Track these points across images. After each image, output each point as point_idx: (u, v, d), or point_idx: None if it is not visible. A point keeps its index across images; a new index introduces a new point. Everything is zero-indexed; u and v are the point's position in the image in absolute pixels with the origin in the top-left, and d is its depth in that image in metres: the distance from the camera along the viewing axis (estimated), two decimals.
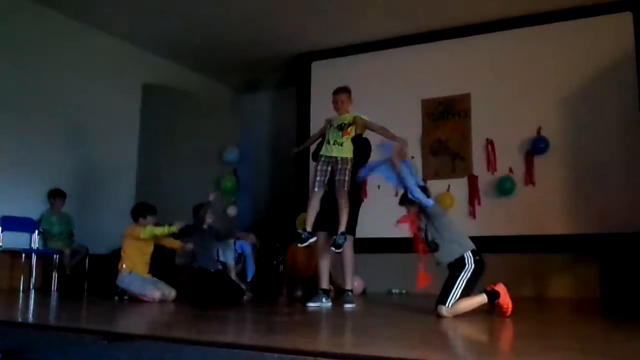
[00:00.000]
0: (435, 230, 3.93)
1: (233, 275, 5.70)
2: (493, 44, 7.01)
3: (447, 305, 3.75)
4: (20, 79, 6.49)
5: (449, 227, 3.96)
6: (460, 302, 3.78)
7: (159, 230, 5.26)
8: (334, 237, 4.55)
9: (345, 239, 4.56)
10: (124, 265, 5.23)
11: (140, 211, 5.49)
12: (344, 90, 4.85)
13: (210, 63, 8.56)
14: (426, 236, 3.97)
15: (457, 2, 6.60)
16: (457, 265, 3.85)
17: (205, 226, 5.45)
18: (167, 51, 8.15)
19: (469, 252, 3.86)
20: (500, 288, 3.86)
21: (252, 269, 6.14)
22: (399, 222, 4.22)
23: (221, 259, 5.72)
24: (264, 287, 6.22)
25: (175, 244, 5.54)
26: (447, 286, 3.82)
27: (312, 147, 5.34)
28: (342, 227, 4.53)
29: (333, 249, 4.56)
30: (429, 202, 3.98)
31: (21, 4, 6.55)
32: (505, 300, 3.82)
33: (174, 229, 5.27)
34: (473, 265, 3.83)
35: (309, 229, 4.59)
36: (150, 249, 5.43)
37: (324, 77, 7.56)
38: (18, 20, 6.52)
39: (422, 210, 4.04)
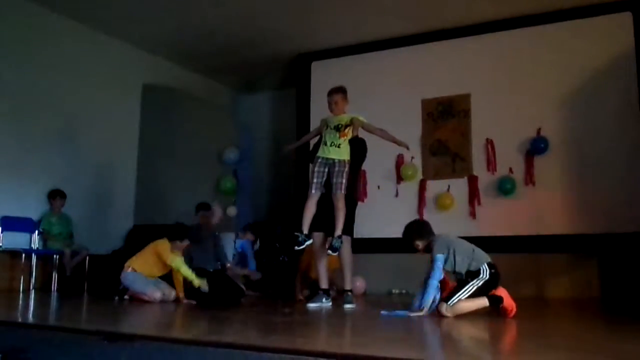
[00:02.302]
0: (454, 259, 3.92)
1: (231, 274, 5.69)
2: (493, 44, 7.02)
3: (449, 303, 3.77)
4: (19, 79, 6.49)
5: (462, 248, 3.96)
6: (462, 302, 3.79)
7: (185, 273, 5.03)
8: (331, 239, 4.54)
9: (342, 242, 4.55)
10: (131, 267, 5.18)
11: (180, 234, 5.23)
12: (338, 90, 4.77)
13: (210, 63, 8.56)
14: (454, 270, 3.97)
15: (457, 2, 6.60)
16: (472, 273, 3.88)
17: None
18: (167, 51, 8.16)
19: (485, 264, 3.89)
20: (502, 292, 3.87)
21: (253, 263, 6.16)
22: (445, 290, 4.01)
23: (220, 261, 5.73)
24: (273, 287, 6.23)
25: (180, 290, 5.17)
26: (457, 287, 3.85)
27: (311, 146, 5.32)
28: (339, 231, 4.52)
29: (330, 252, 4.56)
30: (437, 266, 3.89)
31: (21, 4, 6.55)
32: (509, 303, 3.83)
33: (199, 284, 5.01)
34: (488, 277, 3.85)
35: (305, 231, 4.56)
36: (162, 272, 5.29)
37: (324, 77, 7.56)
38: (18, 20, 6.52)
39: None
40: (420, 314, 3.83)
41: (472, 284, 3.82)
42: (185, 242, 5.25)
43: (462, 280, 3.89)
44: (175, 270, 5.11)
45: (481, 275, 3.85)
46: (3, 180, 6.21)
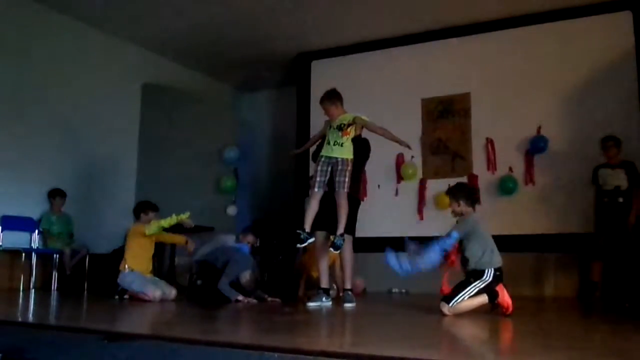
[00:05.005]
0: (468, 243, 3.92)
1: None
2: (493, 43, 7.01)
3: (450, 304, 3.78)
4: (19, 78, 6.49)
5: (481, 238, 3.94)
6: (463, 302, 3.81)
7: (166, 222, 5.13)
8: (333, 237, 4.55)
9: (344, 240, 4.55)
10: (126, 265, 5.21)
11: (141, 207, 5.51)
12: (324, 98, 4.77)
13: (210, 62, 8.56)
14: (463, 252, 3.96)
15: (457, 2, 6.59)
16: (476, 274, 3.88)
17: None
18: (167, 50, 8.15)
19: (493, 268, 3.88)
20: (498, 287, 3.87)
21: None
22: (446, 263, 3.98)
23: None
24: (273, 287, 6.21)
25: (180, 239, 5.44)
26: (459, 288, 3.85)
27: (312, 148, 5.34)
28: (341, 229, 4.53)
29: (332, 250, 4.56)
30: (448, 239, 3.86)
31: (21, 3, 6.54)
32: (504, 299, 3.84)
33: (184, 217, 5.13)
34: (491, 279, 3.86)
35: (307, 229, 4.57)
36: (152, 247, 5.41)
37: (324, 76, 7.56)
38: (18, 19, 6.52)
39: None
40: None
41: (475, 285, 3.83)
42: (151, 213, 5.44)
43: (465, 280, 3.89)
44: (159, 232, 5.21)
45: (484, 277, 3.85)
46: (3, 180, 6.21)
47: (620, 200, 5.71)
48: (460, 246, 3.95)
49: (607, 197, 5.80)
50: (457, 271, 4.01)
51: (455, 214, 4.08)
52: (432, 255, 3.83)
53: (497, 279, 3.87)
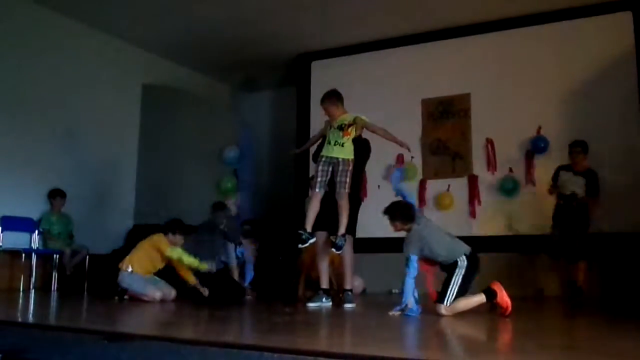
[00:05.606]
0: (429, 251, 4.00)
1: (235, 276, 5.72)
2: (493, 44, 7.02)
3: (445, 303, 3.80)
4: (20, 79, 6.49)
5: (435, 240, 4.01)
6: (459, 301, 3.83)
7: (187, 260, 5.03)
8: (334, 238, 4.55)
9: (345, 240, 4.55)
10: (128, 266, 5.16)
11: (175, 226, 5.25)
12: (323, 100, 4.77)
13: (210, 63, 8.56)
14: (436, 259, 4.05)
15: (457, 2, 6.60)
16: (451, 266, 3.93)
17: (221, 227, 5.48)
18: (167, 51, 8.15)
19: (463, 255, 3.94)
20: (496, 286, 3.88)
21: (251, 274, 6.16)
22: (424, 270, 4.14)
23: (223, 259, 5.74)
24: (272, 287, 6.23)
25: (191, 278, 5.19)
26: (444, 286, 3.89)
27: (312, 149, 5.34)
28: (342, 229, 4.52)
29: (334, 250, 4.56)
30: (411, 266, 3.95)
31: (21, 4, 6.55)
32: (503, 298, 3.84)
33: (204, 267, 5.13)
34: (466, 262, 3.91)
35: (309, 229, 4.57)
36: (161, 265, 5.29)
37: (324, 76, 7.56)
38: (18, 20, 6.53)
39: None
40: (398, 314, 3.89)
41: (456, 275, 3.88)
42: (179, 237, 5.21)
43: (447, 276, 3.94)
44: (177, 261, 5.09)
45: (459, 264, 3.91)
46: (3, 180, 6.21)
47: (574, 204, 5.74)
48: (429, 256, 4.02)
49: (562, 199, 5.81)
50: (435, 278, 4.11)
51: (396, 230, 4.18)
52: (411, 289, 3.91)
53: (472, 260, 3.92)
